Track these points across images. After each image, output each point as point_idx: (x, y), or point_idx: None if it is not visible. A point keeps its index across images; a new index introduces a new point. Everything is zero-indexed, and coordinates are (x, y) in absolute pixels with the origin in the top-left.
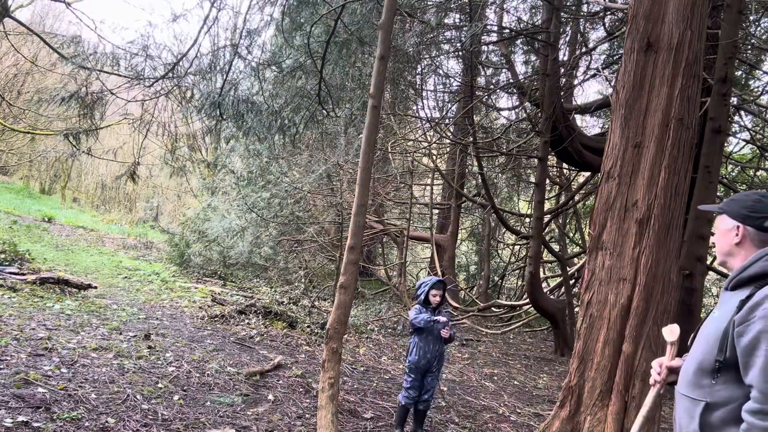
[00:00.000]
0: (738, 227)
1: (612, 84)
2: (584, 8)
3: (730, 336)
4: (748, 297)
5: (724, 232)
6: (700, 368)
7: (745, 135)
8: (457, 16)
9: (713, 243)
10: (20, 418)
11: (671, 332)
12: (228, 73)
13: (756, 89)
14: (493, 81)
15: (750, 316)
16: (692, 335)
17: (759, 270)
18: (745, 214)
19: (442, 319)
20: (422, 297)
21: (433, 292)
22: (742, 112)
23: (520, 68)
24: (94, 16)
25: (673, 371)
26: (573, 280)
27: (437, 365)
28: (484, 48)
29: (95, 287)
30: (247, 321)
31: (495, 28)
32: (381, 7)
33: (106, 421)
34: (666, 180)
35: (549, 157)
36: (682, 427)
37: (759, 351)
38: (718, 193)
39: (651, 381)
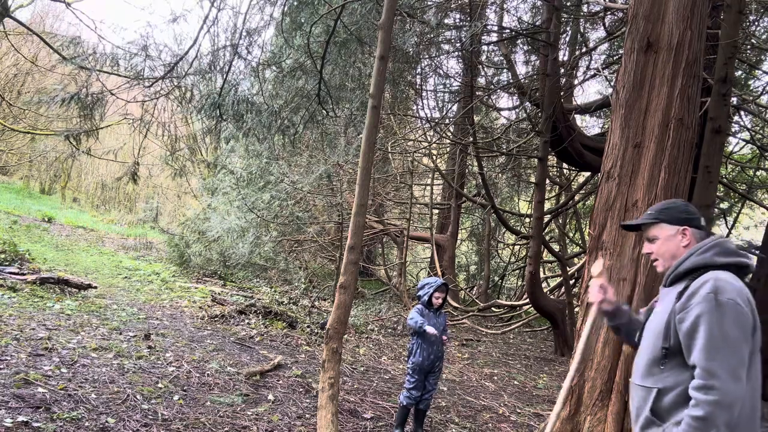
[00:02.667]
0: (685, 230)
1: (612, 84)
2: (584, 8)
3: (673, 324)
4: (685, 288)
5: (668, 238)
6: (651, 358)
7: (745, 135)
8: (457, 16)
9: (649, 253)
10: (20, 418)
11: (597, 266)
12: (228, 73)
13: (756, 89)
14: (493, 81)
15: (688, 304)
16: (638, 332)
17: (691, 264)
18: (685, 218)
19: (431, 330)
20: (426, 298)
21: (437, 294)
22: (742, 112)
23: (521, 68)
24: (94, 16)
25: (605, 294)
26: (573, 280)
27: (439, 365)
28: (485, 48)
29: (95, 287)
30: (247, 321)
31: (495, 28)
32: (381, 7)
33: (106, 421)
34: (666, 180)
35: (549, 157)
36: (638, 414)
37: (698, 333)
38: (718, 193)
39: (590, 300)
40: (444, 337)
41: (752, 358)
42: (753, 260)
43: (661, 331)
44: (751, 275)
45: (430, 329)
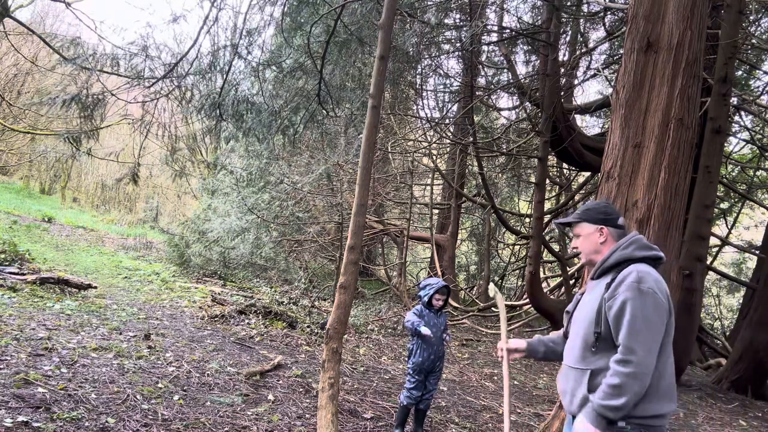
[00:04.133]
0: (602, 229)
1: (612, 84)
2: (584, 8)
3: (603, 311)
4: (612, 279)
5: (588, 235)
6: (584, 343)
7: (745, 135)
8: (458, 16)
9: (575, 247)
10: (20, 418)
11: (497, 296)
12: (228, 73)
13: (756, 89)
14: (494, 81)
15: (615, 292)
16: (567, 322)
17: (616, 259)
18: (603, 218)
19: (426, 332)
20: (426, 299)
21: (437, 296)
22: (742, 112)
23: (521, 68)
24: (94, 16)
25: (512, 350)
26: (573, 280)
27: (440, 365)
28: (485, 48)
29: (95, 287)
30: (247, 321)
31: (495, 28)
32: (381, 7)
33: (106, 421)
34: (666, 180)
35: (549, 157)
36: (573, 394)
37: (624, 316)
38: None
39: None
40: (445, 339)
41: (666, 339)
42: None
43: (592, 318)
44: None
45: (425, 330)
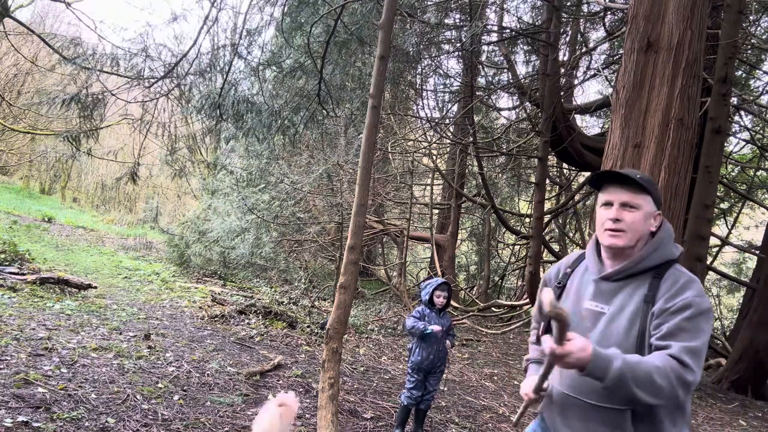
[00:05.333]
0: (659, 215)
1: (612, 84)
2: (584, 8)
3: (648, 329)
4: (654, 286)
5: (647, 215)
6: None
7: (745, 135)
8: (458, 15)
9: (618, 219)
10: (20, 418)
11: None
12: (228, 73)
13: (756, 89)
14: (494, 81)
15: (671, 304)
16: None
17: (663, 258)
18: (661, 203)
19: (437, 328)
20: (426, 298)
21: (437, 293)
22: (742, 112)
23: (521, 68)
24: (94, 16)
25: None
26: None
27: (440, 366)
28: (485, 48)
29: (95, 287)
30: (247, 321)
31: (495, 28)
32: (381, 6)
33: (106, 421)
34: (666, 180)
35: (549, 157)
36: None
37: (696, 334)
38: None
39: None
40: (447, 342)
41: None
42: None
43: (634, 338)
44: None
45: (435, 327)
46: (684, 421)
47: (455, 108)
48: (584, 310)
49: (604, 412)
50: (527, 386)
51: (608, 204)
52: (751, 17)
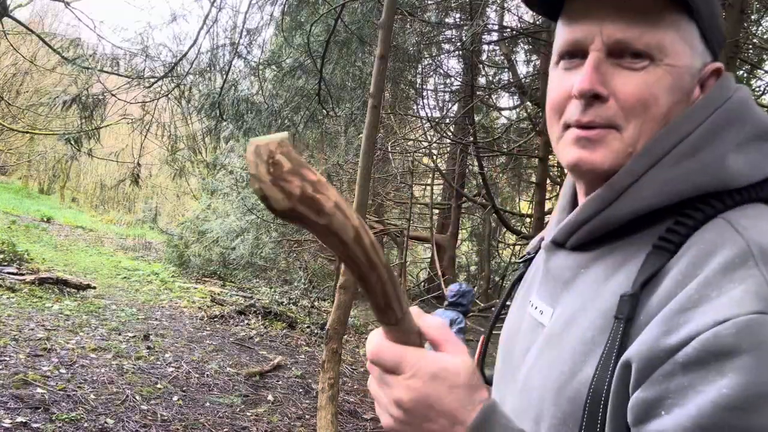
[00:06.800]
0: (718, 70)
1: None
2: None
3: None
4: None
5: (682, 73)
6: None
7: None
8: (458, 15)
9: (607, 104)
10: (19, 419)
11: None
12: (228, 73)
13: (758, 89)
14: (494, 80)
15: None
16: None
17: (671, 194)
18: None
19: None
20: (469, 307)
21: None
22: None
23: (522, 68)
24: (93, 16)
25: None
26: None
27: None
28: (485, 47)
29: (94, 287)
30: (246, 321)
31: (496, 28)
32: (381, 6)
33: (105, 422)
34: None
35: (550, 156)
36: None
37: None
38: None
39: None
40: None
41: None
42: None
43: (576, 391)
44: None
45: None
46: None
47: (455, 107)
48: (527, 318)
49: None
50: None
51: (573, 53)
52: (752, 17)
